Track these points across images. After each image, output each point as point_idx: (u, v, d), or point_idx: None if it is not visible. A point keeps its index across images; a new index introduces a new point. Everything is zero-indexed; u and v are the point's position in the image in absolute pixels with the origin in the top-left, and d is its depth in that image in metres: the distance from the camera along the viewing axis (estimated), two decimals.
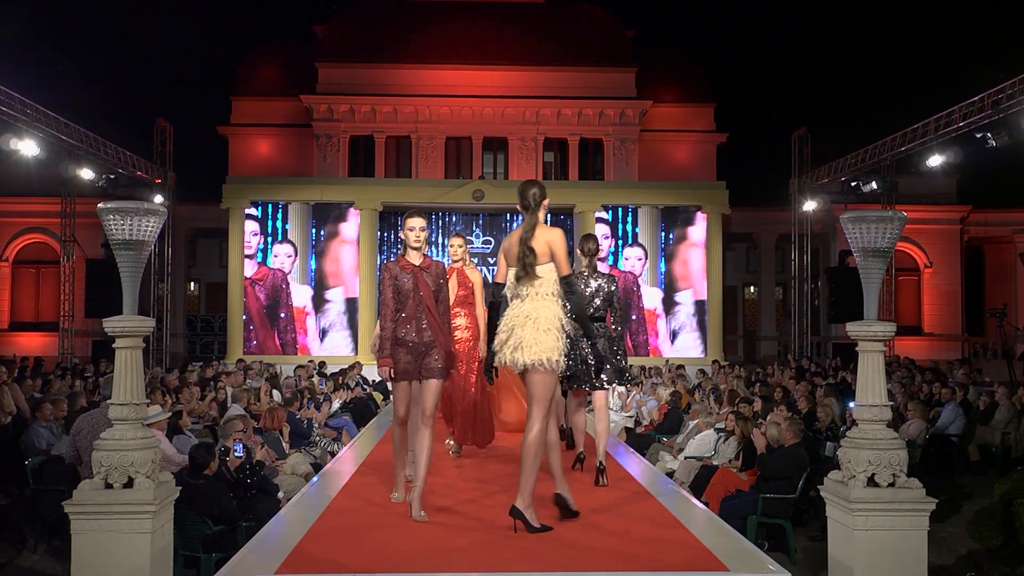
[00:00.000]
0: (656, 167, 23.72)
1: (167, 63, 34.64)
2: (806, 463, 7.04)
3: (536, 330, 4.62)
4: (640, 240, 20.15)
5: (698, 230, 20.13)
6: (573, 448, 6.73)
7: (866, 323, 4.96)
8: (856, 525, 4.76)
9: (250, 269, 19.54)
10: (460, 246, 7.07)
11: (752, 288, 25.00)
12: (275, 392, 11.55)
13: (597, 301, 6.10)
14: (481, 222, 20.75)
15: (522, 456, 4.62)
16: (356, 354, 18.85)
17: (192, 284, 24.30)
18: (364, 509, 5.23)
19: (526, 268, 4.67)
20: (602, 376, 5.77)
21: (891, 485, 4.82)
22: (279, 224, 19.69)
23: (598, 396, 6.25)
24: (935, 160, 16.29)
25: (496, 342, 4.82)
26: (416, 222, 5.08)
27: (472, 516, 4.92)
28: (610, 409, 12.50)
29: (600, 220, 19.96)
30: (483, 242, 20.54)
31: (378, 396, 13.66)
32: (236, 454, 6.44)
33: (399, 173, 23.17)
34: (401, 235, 5.22)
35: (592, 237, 6.48)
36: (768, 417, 7.96)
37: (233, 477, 6.30)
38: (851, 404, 8.78)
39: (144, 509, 4.64)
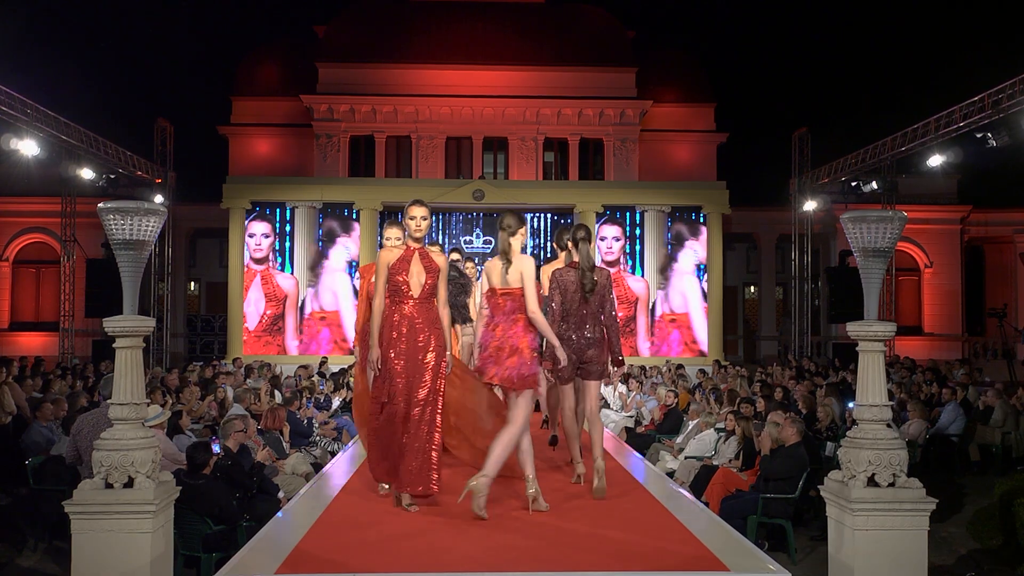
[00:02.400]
0: (656, 167, 23.71)
1: (167, 63, 34.66)
2: (806, 463, 7.04)
3: None
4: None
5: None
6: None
7: (866, 323, 4.96)
8: (856, 525, 4.76)
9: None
10: (424, 218, 5.25)
11: (752, 288, 25.00)
12: (276, 392, 11.56)
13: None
14: (481, 222, 20.75)
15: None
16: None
17: (192, 284, 24.29)
18: (364, 509, 5.23)
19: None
20: None
21: (891, 485, 4.82)
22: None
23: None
24: (935, 160, 16.29)
25: None
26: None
27: (472, 516, 4.91)
28: (610, 409, 12.52)
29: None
30: (483, 242, 20.53)
31: None
32: (214, 450, 6.43)
33: (399, 173, 23.17)
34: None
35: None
36: (768, 417, 7.96)
37: (219, 470, 6.27)
38: (851, 404, 8.79)
39: (144, 509, 4.64)
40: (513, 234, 5.20)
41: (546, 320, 5.25)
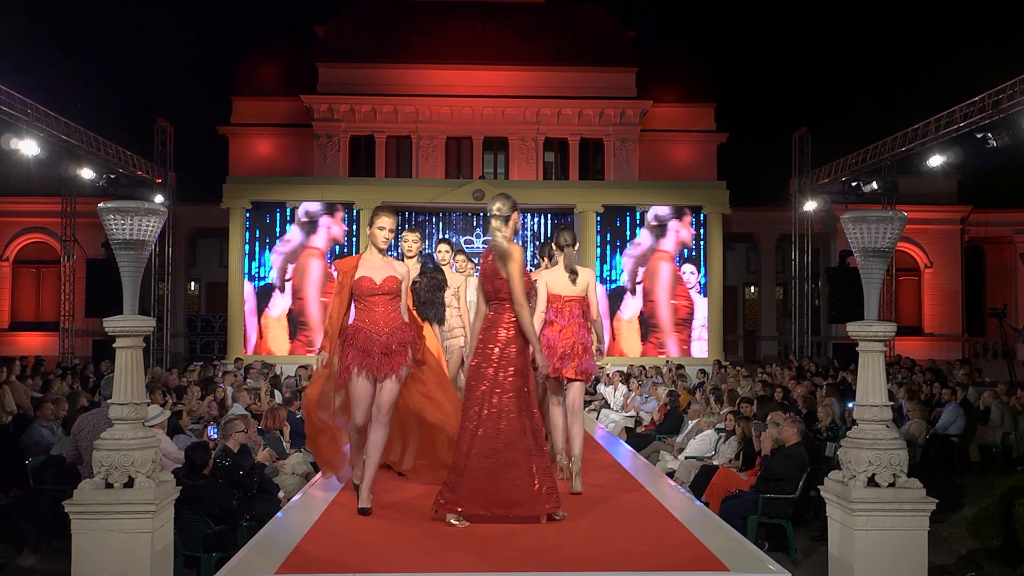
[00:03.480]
0: (656, 167, 23.71)
1: (167, 63, 34.59)
2: (806, 463, 7.04)
3: None
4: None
5: None
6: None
7: (866, 323, 4.96)
8: (856, 525, 4.76)
9: None
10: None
11: (752, 288, 25.00)
12: (276, 392, 11.55)
13: None
14: (481, 222, 20.74)
15: None
16: None
17: (192, 284, 24.30)
18: None
19: None
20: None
21: (891, 485, 4.82)
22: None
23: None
24: (935, 160, 16.29)
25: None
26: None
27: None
28: (610, 408, 12.53)
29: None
30: (483, 242, 20.53)
31: None
32: (210, 436, 6.43)
33: (399, 173, 23.17)
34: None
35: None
36: (768, 417, 7.97)
37: (219, 470, 6.27)
38: (851, 404, 8.79)
39: (144, 509, 4.64)
40: (573, 247, 5.84)
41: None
